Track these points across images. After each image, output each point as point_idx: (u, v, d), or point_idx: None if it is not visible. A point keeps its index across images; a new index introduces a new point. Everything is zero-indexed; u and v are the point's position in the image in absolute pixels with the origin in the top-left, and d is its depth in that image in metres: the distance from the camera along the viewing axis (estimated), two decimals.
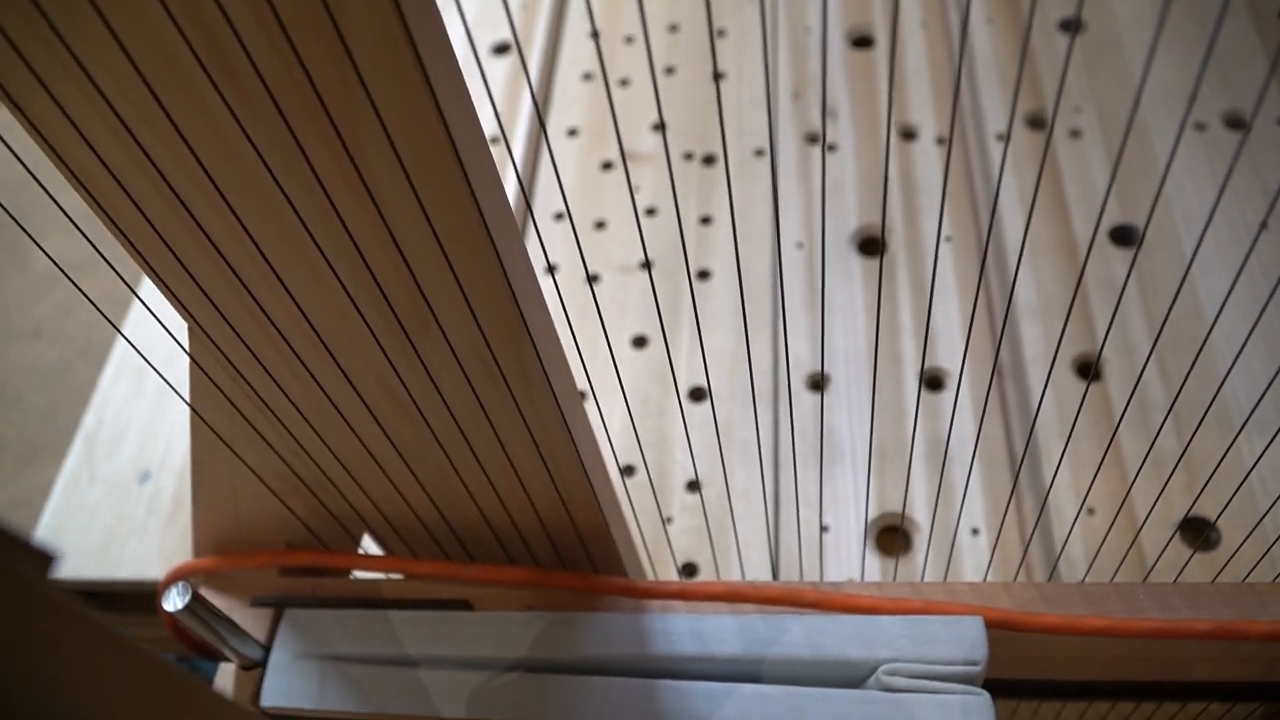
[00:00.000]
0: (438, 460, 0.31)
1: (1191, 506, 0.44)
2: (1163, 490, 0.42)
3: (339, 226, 0.24)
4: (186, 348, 0.30)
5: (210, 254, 0.25)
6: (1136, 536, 0.44)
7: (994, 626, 0.30)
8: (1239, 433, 0.47)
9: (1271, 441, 0.36)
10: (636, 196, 0.60)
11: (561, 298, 0.31)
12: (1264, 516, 0.43)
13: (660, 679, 0.30)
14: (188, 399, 0.32)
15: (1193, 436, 0.33)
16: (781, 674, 0.30)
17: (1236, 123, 0.58)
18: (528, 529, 0.33)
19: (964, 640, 0.29)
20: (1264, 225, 0.53)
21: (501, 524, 0.33)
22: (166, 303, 0.28)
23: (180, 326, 0.29)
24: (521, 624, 0.32)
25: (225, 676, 0.35)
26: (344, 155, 0.23)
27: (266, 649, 0.34)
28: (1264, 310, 0.48)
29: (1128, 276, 0.45)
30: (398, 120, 0.22)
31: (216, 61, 0.21)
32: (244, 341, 0.28)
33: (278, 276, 0.26)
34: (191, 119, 0.22)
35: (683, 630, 0.31)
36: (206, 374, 0.30)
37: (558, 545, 0.33)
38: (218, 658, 0.36)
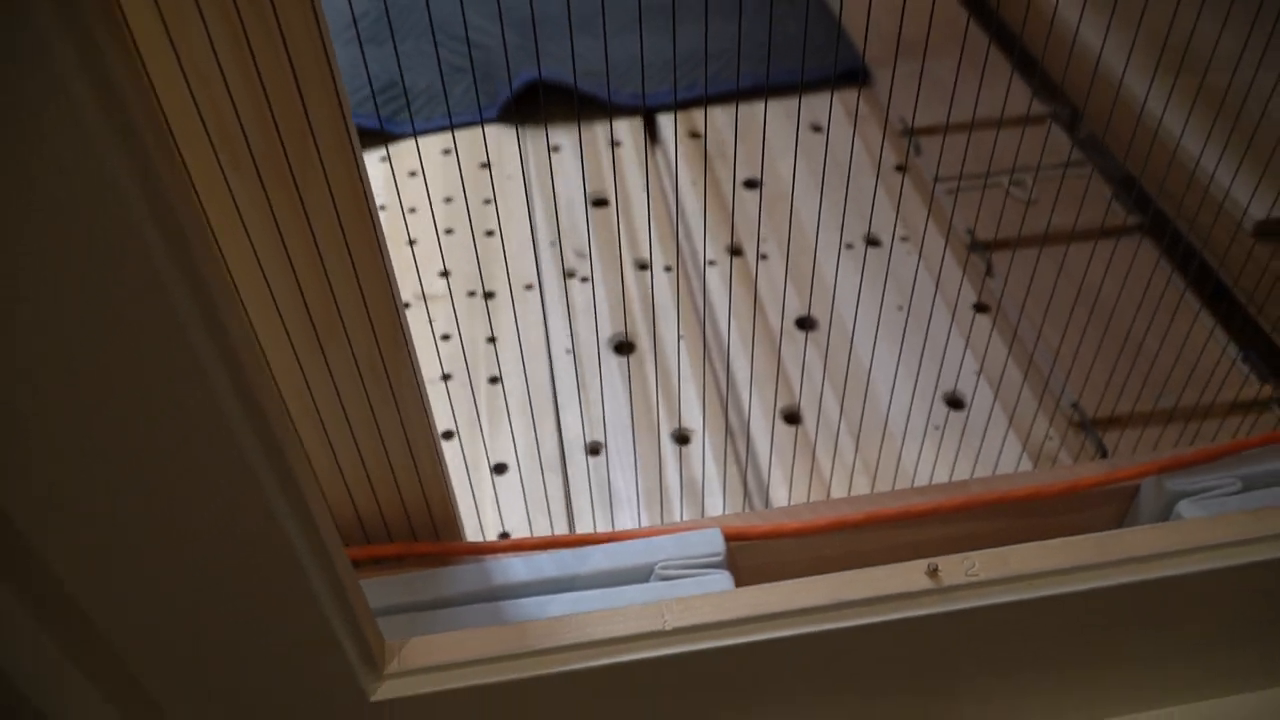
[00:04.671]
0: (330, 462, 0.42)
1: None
2: (850, 487, 0.58)
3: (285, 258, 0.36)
4: None
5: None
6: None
7: (730, 537, 0.44)
8: (902, 444, 0.64)
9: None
10: (434, 325, 0.73)
11: None
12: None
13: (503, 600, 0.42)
14: None
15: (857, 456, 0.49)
16: (589, 584, 0.42)
17: (874, 242, 0.79)
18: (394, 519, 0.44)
19: (710, 542, 0.43)
20: (900, 307, 0.73)
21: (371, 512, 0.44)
22: None
23: None
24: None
25: None
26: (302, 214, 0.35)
27: None
28: (900, 356, 0.67)
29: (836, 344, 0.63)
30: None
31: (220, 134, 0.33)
32: None
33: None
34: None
35: (516, 566, 0.43)
36: None
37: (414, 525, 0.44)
38: None
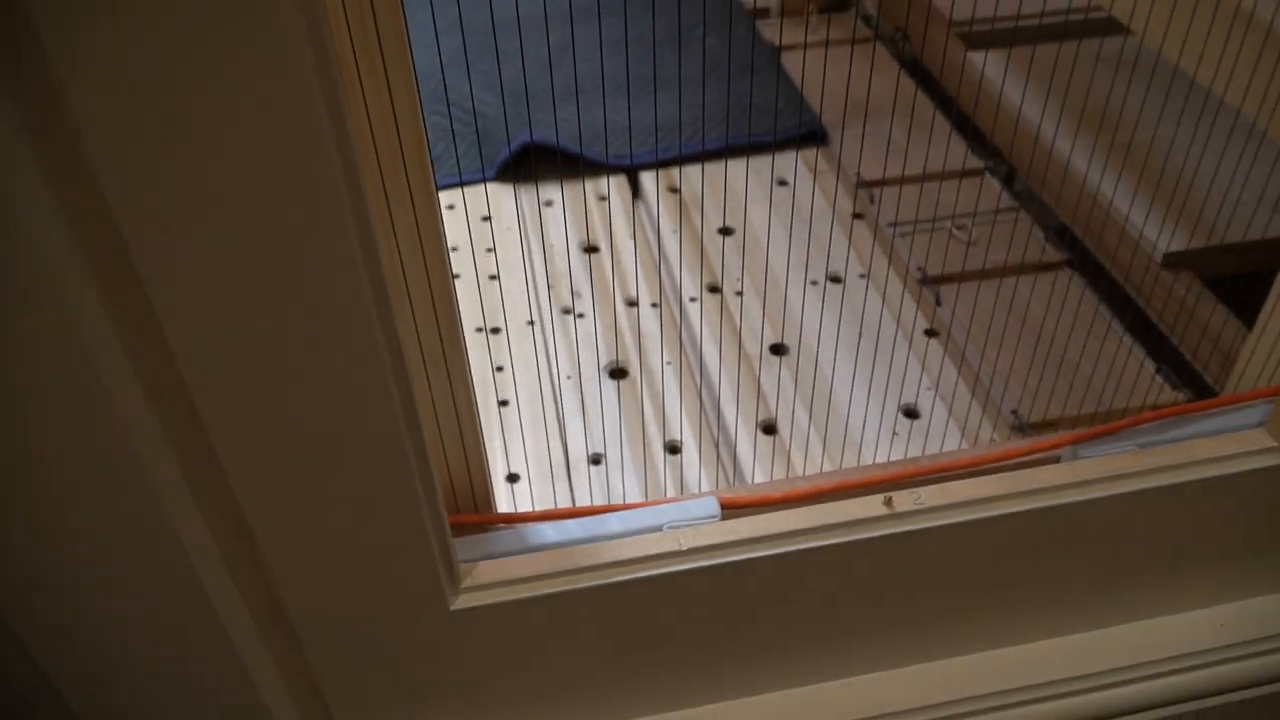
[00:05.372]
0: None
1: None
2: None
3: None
4: None
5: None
6: None
7: (724, 505, 0.53)
8: (859, 453, 0.73)
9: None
10: None
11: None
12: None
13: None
14: None
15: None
16: None
17: (836, 278, 0.89)
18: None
19: (707, 507, 0.52)
20: (860, 333, 0.83)
21: None
22: None
23: None
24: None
25: None
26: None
27: None
28: (862, 375, 0.76)
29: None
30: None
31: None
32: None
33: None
34: None
35: (546, 530, 0.51)
36: None
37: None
38: None
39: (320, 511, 0.40)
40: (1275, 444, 0.50)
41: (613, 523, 0.52)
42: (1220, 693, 0.51)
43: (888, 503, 0.46)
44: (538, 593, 0.44)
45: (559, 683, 0.49)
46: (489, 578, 0.44)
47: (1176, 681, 0.51)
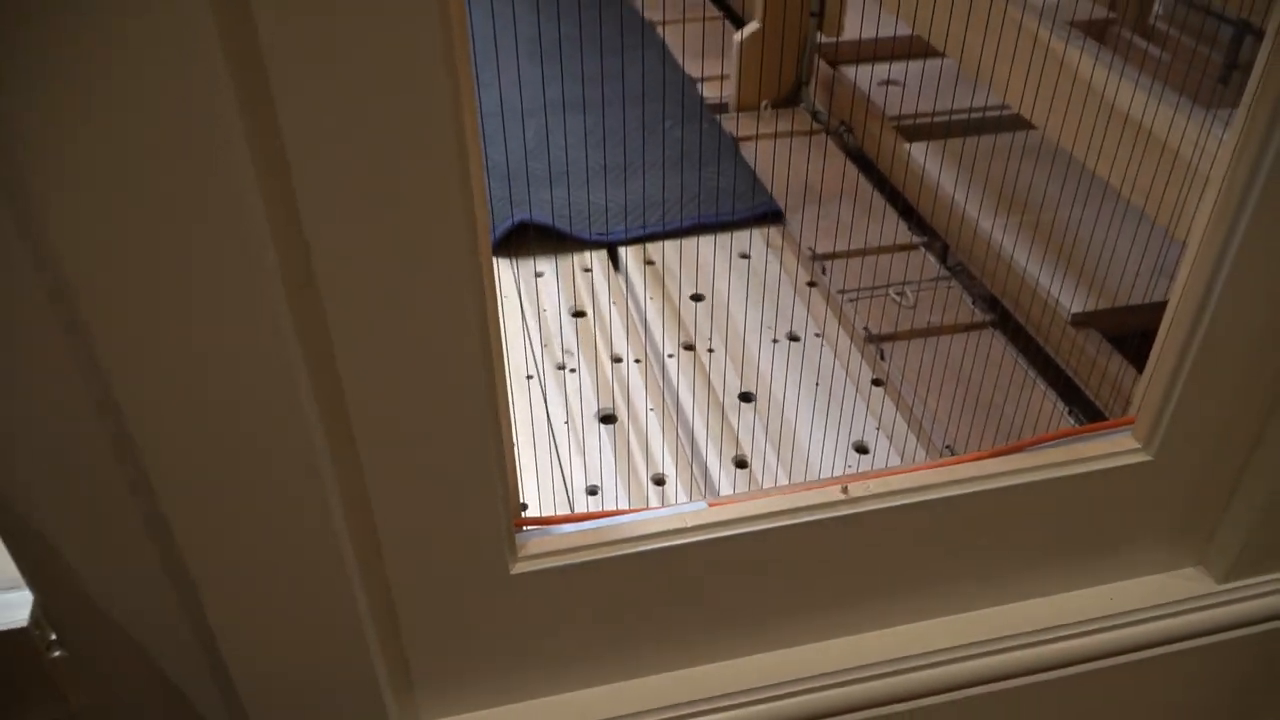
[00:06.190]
0: None
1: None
2: None
3: None
4: None
5: None
6: None
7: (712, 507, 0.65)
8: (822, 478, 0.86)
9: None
10: None
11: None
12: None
13: None
14: None
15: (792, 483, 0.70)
16: None
17: (794, 337, 1.02)
18: None
19: (699, 509, 0.63)
20: (816, 383, 0.96)
21: None
22: None
23: None
24: None
25: None
26: None
27: None
28: (821, 418, 0.89)
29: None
30: None
31: None
32: None
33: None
34: None
35: (567, 530, 0.62)
36: None
37: None
38: None
39: (425, 498, 0.52)
40: (1139, 445, 0.63)
41: (624, 521, 0.63)
42: (1112, 655, 0.63)
43: (844, 491, 0.58)
44: (578, 561, 0.55)
45: (592, 641, 0.60)
46: (539, 550, 0.55)
47: (1074, 645, 0.63)
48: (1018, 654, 0.63)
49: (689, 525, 0.56)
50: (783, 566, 0.61)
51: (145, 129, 0.38)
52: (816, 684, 0.63)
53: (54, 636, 0.50)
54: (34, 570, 0.47)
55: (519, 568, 0.55)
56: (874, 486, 0.58)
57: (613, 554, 0.55)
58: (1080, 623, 0.64)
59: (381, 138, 0.42)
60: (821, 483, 0.60)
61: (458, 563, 0.55)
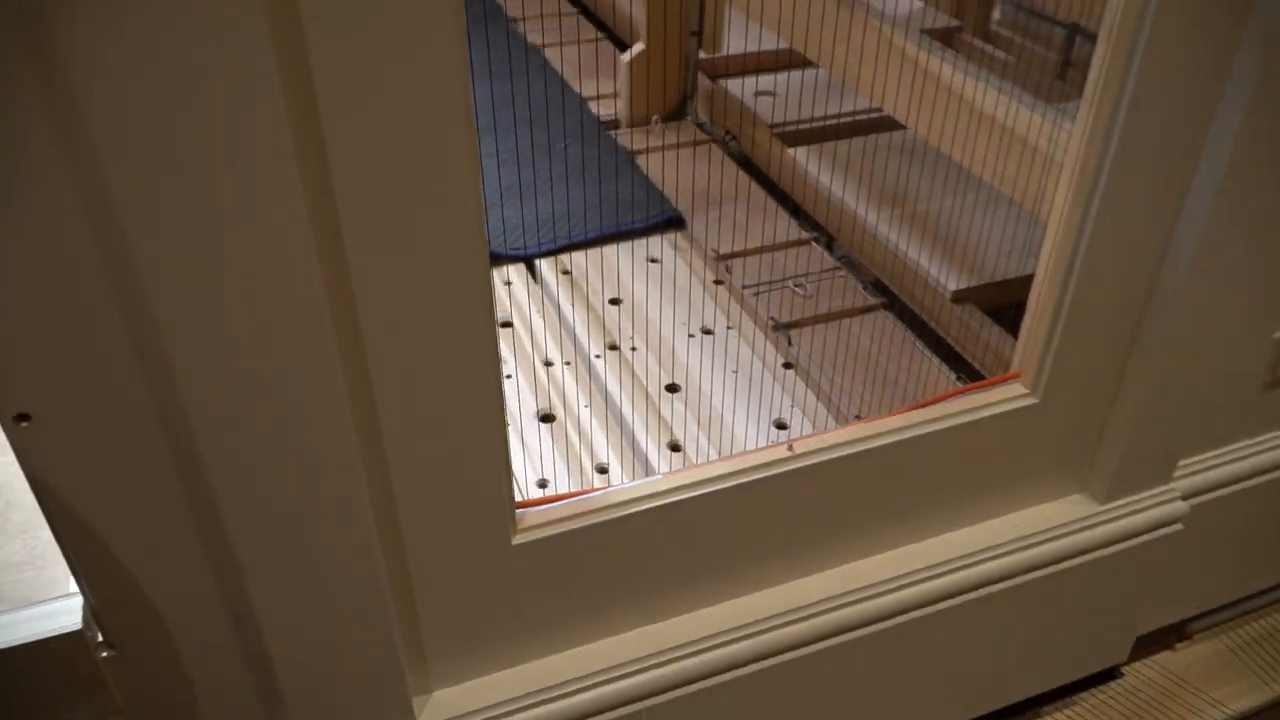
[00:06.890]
0: None
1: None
2: None
3: None
4: None
5: None
6: None
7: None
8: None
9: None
10: None
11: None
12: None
13: None
14: None
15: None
16: None
17: (709, 331, 1.11)
18: None
19: (656, 480, 0.71)
20: (734, 370, 1.05)
21: None
22: None
23: None
24: None
25: None
26: None
27: None
28: (740, 400, 0.98)
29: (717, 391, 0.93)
30: None
31: None
32: None
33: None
34: None
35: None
36: None
37: None
38: None
39: (442, 485, 0.59)
40: (1027, 391, 0.74)
41: (607, 492, 0.71)
42: (1019, 574, 0.74)
43: (789, 448, 0.67)
44: (569, 529, 0.62)
45: (585, 601, 0.67)
46: (534, 521, 0.62)
47: (987, 568, 0.74)
48: (938, 581, 0.73)
49: (662, 489, 0.64)
50: (741, 520, 0.70)
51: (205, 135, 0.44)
52: (781, 620, 0.72)
53: (102, 638, 0.54)
54: (87, 571, 0.51)
55: (520, 539, 0.61)
56: (815, 444, 0.67)
57: (599, 520, 0.63)
58: (990, 548, 0.75)
59: (411, 169, 0.49)
60: (771, 446, 0.69)
61: (467, 534, 0.61)
